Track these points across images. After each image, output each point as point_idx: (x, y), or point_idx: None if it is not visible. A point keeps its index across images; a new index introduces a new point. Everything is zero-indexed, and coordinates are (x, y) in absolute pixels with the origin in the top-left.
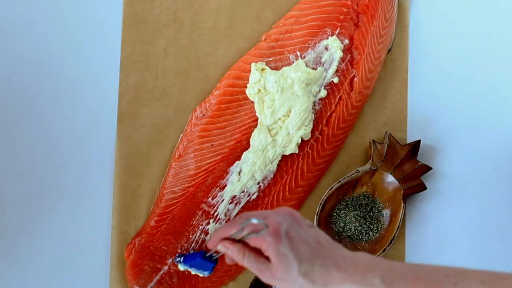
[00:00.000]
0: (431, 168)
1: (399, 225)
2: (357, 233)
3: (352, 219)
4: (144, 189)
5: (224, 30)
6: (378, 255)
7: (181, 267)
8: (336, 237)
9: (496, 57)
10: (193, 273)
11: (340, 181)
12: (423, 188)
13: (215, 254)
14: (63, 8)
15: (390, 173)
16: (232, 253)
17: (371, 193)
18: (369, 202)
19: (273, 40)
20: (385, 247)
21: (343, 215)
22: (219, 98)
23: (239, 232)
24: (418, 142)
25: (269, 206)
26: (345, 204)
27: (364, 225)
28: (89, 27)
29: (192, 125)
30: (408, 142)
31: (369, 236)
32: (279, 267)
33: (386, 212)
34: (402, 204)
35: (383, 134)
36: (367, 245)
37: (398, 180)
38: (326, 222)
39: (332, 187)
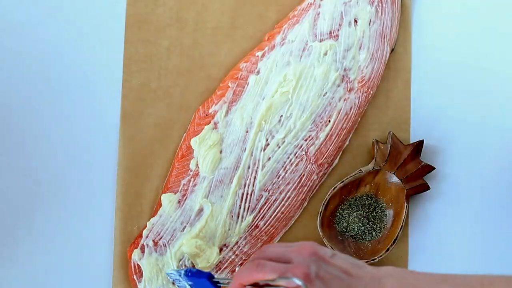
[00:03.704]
0: (434, 168)
1: (402, 225)
2: (360, 233)
3: (355, 219)
4: (147, 189)
5: (227, 30)
6: (381, 255)
7: (176, 278)
8: (339, 237)
9: (500, 56)
10: None
11: (343, 181)
12: (426, 188)
13: (222, 282)
14: (66, 8)
15: (393, 173)
16: None
17: (374, 193)
18: (372, 202)
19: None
20: (388, 247)
21: (346, 215)
22: (222, 98)
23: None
24: (421, 142)
25: (271, 206)
26: (348, 204)
27: (367, 225)
28: (91, 27)
29: (195, 125)
30: (411, 142)
31: (372, 236)
32: None
33: (389, 212)
34: (405, 204)
35: (386, 134)
36: (370, 245)
37: (401, 180)
38: (329, 222)
39: (335, 187)
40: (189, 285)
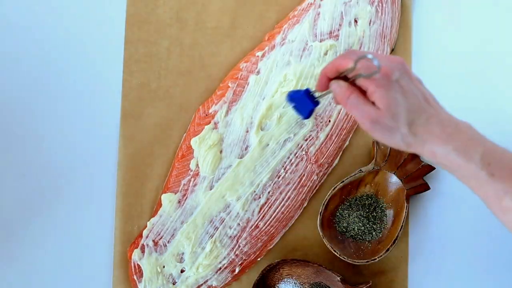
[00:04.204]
0: (434, 168)
1: (402, 225)
2: (360, 233)
3: (355, 219)
4: (147, 189)
5: (227, 30)
6: (381, 255)
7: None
8: (339, 237)
9: (499, 56)
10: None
11: (343, 181)
12: (426, 188)
13: (318, 94)
14: (66, 8)
15: (394, 173)
16: (341, 89)
17: (374, 193)
18: (372, 202)
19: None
20: (388, 247)
21: (346, 215)
22: (222, 98)
23: (350, 70)
24: None
25: (271, 206)
26: (348, 204)
27: (367, 225)
28: (92, 27)
29: (195, 125)
30: None
31: (372, 236)
32: (387, 111)
33: (389, 212)
34: (405, 204)
35: None
36: (370, 245)
37: (401, 180)
38: (330, 222)
39: (336, 187)
40: (294, 107)
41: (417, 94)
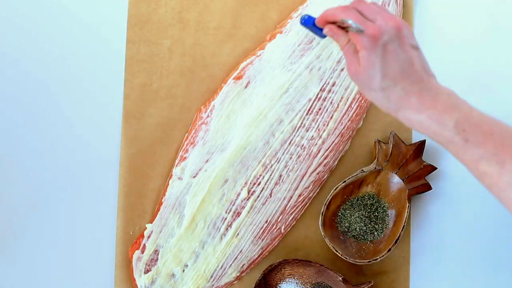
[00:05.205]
0: (436, 168)
1: (404, 225)
2: (362, 233)
3: (357, 219)
4: (149, 189)
5: (229, 30)
6: (383, 255)
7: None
8: (341, 237)
9: (503, 55)
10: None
11: (345, 181)
12: (428, 188)
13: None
14: (68, 8)
15: (395, 173)
16: (338, 38)
17: (376, 193)
18: (374, 202)
19: None
20: (390, 247)
21: (348, 215)
22: None
23: (343, 21)
24: (423, 142)
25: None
26: (350, 204)
27: (369, 225)
28: (94, 27)
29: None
30: (413, 142)
31: (374, 236)
32: (364, 71)
33: (391, 212)
34: (407, 204)
35: (388, 134)
36: (372, 245)
37: (403, 180)
38: (331, 222)
39: (337, 187)
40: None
41: (402, 61)
